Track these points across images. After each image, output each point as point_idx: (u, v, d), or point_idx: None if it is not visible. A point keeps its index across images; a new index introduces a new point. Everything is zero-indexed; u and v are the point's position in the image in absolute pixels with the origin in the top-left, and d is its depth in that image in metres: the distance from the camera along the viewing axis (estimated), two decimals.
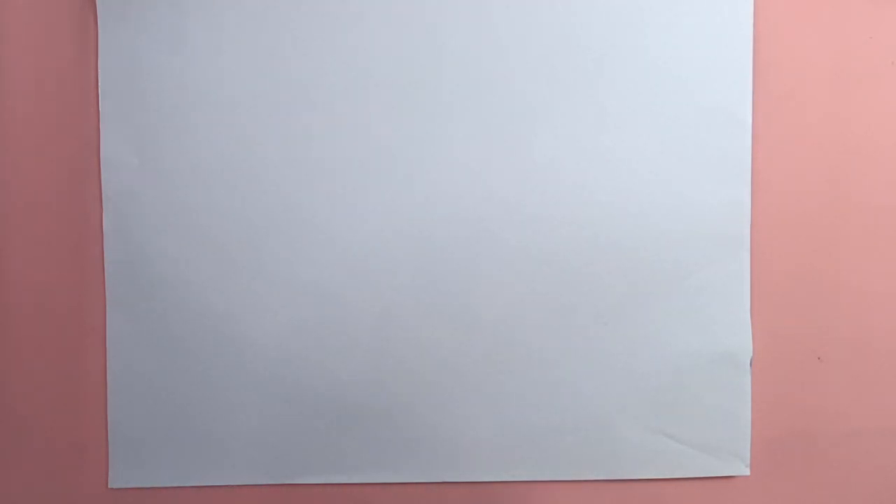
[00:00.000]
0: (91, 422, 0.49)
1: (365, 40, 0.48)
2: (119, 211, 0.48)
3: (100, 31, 0.48)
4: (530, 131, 0.48)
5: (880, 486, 0.51)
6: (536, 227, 0.48)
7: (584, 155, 0.48)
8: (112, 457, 0.49)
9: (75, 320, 0.49)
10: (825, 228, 0.50)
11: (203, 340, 0.48)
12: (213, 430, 0.49)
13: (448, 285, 0.48)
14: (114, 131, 0.48)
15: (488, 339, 0.48)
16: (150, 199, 0.48)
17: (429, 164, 0.48)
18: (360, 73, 0.48)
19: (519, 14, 0.48)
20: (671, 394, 0.49)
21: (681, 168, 0.48)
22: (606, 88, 0.48)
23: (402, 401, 0.49)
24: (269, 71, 0.48)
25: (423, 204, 0.48)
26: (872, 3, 0.49)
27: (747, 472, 0.49)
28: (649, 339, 0.49)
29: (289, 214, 0.48)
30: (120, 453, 0.49)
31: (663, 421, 0.49)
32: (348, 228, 0.48)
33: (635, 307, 0.48)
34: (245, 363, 0.48)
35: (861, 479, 0.50)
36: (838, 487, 0.50)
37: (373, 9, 0.47)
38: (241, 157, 0.48)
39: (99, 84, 0.48)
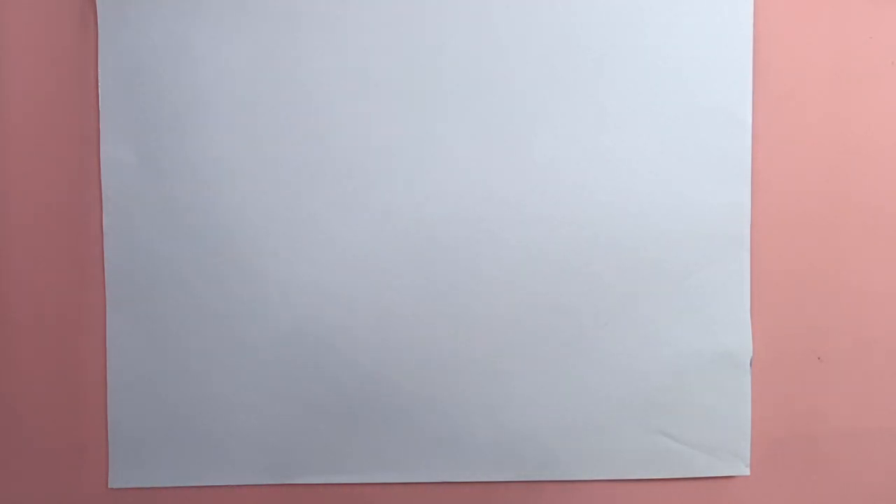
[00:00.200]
0: (91, 422, 0.49)
1: (365, 41, 0.48)
2: (119, 211, 0.48)
3: (100, 31, 0.48)
4: (530, 131, 0.48)
5: (880, 486, 0.51)
6: (536, 227, 0.48)
7: (584, 155, 0.48)
8: (112, 457, 0.49)
9: (75, 320, 0.49)
10: (825, 228, 0.50)
11: (203, 340, 0.48)
12: (213, 430, 0.49)
13: (448, 285, 0.48)
14: (114, 131, 0.48)
15: (488, 338, 0.48)
16: (150, 199, 0.48)
17: (429, 164, 0.48)
18: (360, 73, 0.48)
19: (519, 14, 0.48)
20: (671, 394, 0.49)
21: (681, 168, 0.48)
22: (606, 88, 0.48)
23: (402, 400, 0.49)
24: (268, 71, 0.47)
25: (423, 204, 0.48)
26: (872, 3, 0.49)
27: (747, 472, 0.49)
28: (649, 339, 0.49)
29: (289, 214, 0.48)
30: (120, 453, 0.49)
31: (663, 421, 0.49)
32: (348, 228, 0.48)
33: (635, 307, 0.48)
34: (245, 363, 0.48)
35: (861, 479, 0.50)
36: (838, 487, 0.50)
37: (373, 9, 0.47)
38: (240, 157, 0.48)
39: (99, 84, 0.48)
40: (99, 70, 0.48)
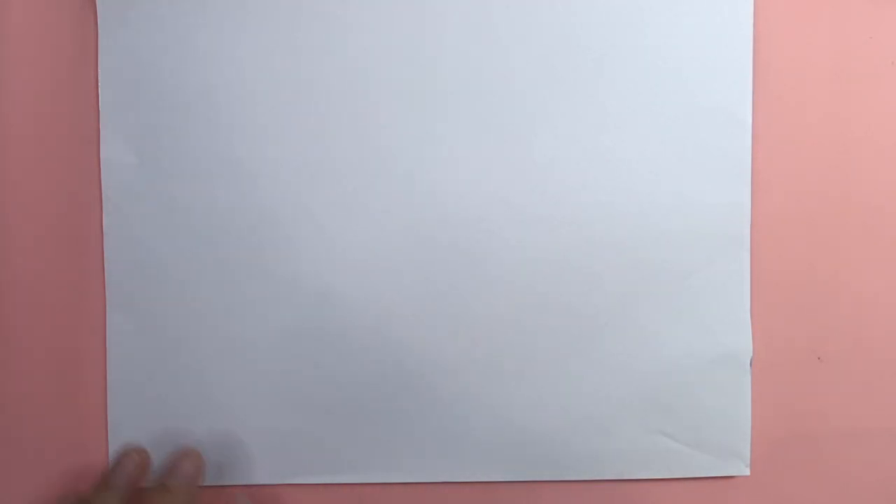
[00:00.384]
0: (91, 422, 0.49)
1: (365, 40, 0.48)
2: (119, 211, 0.48)
3: (100, 31, 0.48)
4: (530, 131, 0.48)
5: (880, 486, 0.51)
6: (536, 227, 0.48)
7: (584, 155, 0.48)
8: (112, 456, 0.49)
9: (75, 320, 0.49)
10: (825, 228, 0.50)
11: (203, 340, 0.48)
12: (213, 430, 0.49)
13: (448, 285, 0.48)
14: (114, 131, 0.48)
15: (488, 338, 0.48)
16: (150, 199, 0.48)
17: (429, 164, 0.48)
18: (360, 72, 0.48)
19: (519, 14, 0.48)
20: (671, 394, 0.49)
21: (681, 168, 0.48)
22: (606, 88, 0.48)
23: (402, 400, 0.49)
24: (269, 71, 0.48)
25: (424, 204, 0.48)
26: (872, 3, 0.49)
27: (747, 472, 0.49)
28: (649, 339, 0.49)
29: (289, 214, 0.48)
30: None
31: (663, 421, 0.49)
32: (348, 228, 0.48)
33: (635, 307, 0.48)
34: (245, 363, 0.48)
35: (861, 479, 0.50)
36: (838, 487, 0.50)
37: (372, 8, 0.47)
38: (241, 157, 0.48)
39: (99, 84, 0.48)
40: (99, 70, 0.48)
